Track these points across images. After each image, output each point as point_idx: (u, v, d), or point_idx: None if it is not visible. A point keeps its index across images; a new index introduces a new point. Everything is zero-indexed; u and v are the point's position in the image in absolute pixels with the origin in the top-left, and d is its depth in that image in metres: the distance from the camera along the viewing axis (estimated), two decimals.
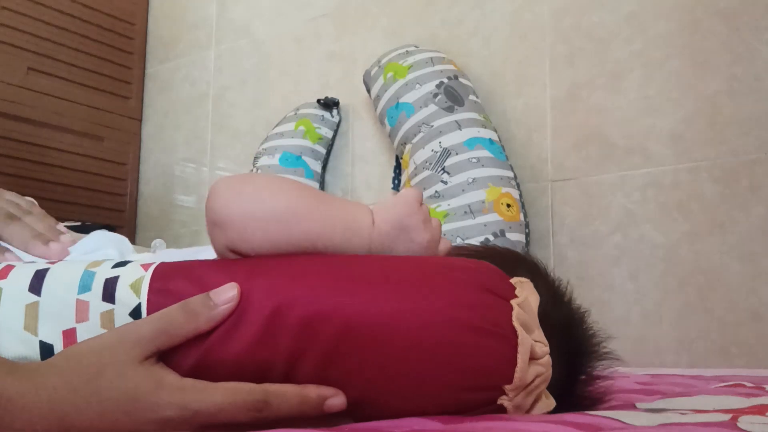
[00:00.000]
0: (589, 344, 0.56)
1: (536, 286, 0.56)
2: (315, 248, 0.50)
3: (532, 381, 0.47)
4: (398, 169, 1.58)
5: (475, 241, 1.29)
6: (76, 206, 1.99)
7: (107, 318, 0.47)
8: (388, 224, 0.53)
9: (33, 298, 0.48)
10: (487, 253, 0.61)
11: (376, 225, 0.52)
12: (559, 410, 0.51)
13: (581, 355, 0.55)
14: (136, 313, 0.47)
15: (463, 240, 1.30)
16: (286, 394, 0.45)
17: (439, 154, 1.39)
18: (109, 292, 0.48)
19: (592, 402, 0.55)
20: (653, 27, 1.37)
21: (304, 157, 1.68)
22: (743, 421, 0.44)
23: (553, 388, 0.53)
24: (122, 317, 0.47)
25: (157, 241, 0.70)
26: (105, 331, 0.47)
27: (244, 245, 0.50)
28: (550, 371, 0.49)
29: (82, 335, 0.47)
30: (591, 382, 0.56)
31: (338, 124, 1.75)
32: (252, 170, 1.71)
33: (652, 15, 1.37)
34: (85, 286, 0.48)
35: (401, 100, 1.49)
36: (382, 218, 0.53)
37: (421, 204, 0.55)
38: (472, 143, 1.38)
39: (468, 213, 1.33)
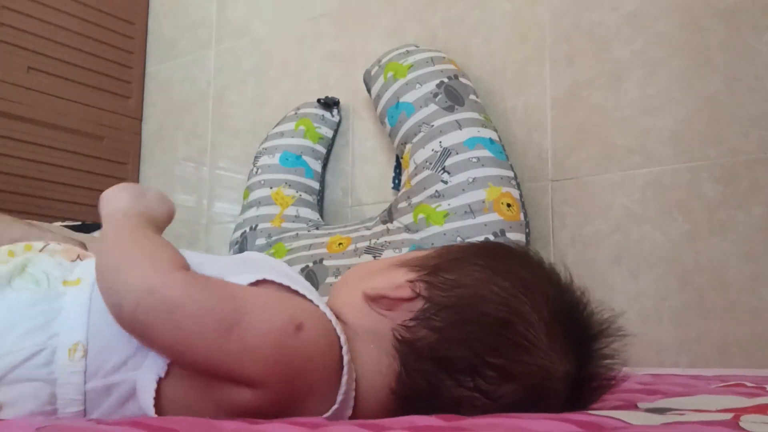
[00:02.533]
0: (596, 326, 0.56)
1: (532, 276, 0.56)
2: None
3: None
4: (398, 168, 1.58)
5: (476, 240, 1.29)
6: (76, 206, 1.99)
7: None
8: None
9: None
10: (478, 248, 0.61)
11: None
12: (571, 399, 0.51)
13: (589, 339, 0.55)
14: None
15: (463, 239, 1.30)
16: None
17: (439, 153, 1.39)
18: None
19: (603, 387, 0.55)
20: (653, 27, 1.37)
21: (304, 157, 1.68)
22: (745, 421, 0.44)
23: (568, 375, 0.53)
24: None
25: None
26: None
27: None
28: None
29: None
30: (602, 366, 0.55)
31: (338, 124, 1.75)
32: (252, 170, 1.71)
33: (652, 15, 1.37)
34: None
35: (401, 100, 1.49)
36: None
37: None
38: (472, 143, 1.38)
39: (468, 213, 1.33)
